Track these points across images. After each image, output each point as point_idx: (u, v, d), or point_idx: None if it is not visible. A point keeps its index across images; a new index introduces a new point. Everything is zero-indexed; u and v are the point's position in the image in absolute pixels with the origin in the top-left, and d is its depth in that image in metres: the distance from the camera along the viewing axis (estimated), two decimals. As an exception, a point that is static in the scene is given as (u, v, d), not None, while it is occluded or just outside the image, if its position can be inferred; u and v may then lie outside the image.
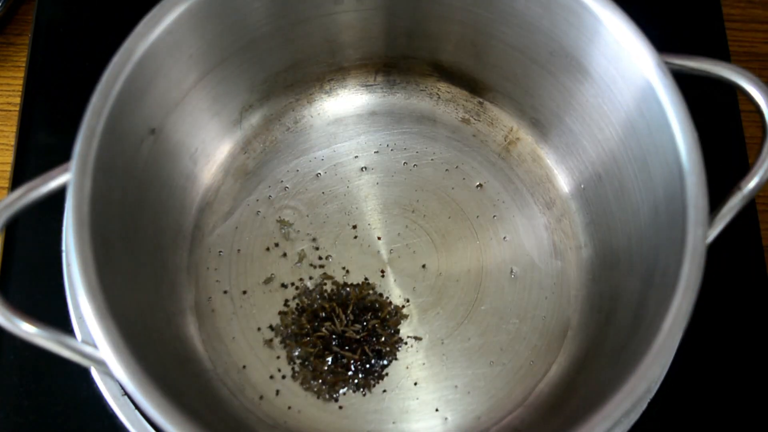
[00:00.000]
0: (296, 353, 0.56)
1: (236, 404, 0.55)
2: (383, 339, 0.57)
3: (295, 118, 0.64)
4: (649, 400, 0.53)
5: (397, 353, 0.57)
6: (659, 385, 0.53)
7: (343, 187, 0.62)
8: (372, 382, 0.56)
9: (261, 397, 0.55)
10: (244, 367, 0.56)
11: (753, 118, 0.65)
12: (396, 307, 0.58)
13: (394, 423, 0.55)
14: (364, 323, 0.57)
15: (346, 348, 0.56)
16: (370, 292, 0.58)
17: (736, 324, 0.60)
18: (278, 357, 0.56)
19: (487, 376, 0.56)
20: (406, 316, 0.58)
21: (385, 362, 0.56)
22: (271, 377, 0.56)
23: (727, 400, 0.58)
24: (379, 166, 0.62)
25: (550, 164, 0.62)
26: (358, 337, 0.56)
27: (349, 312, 0.57)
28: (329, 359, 0.56)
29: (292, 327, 0.57)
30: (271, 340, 0.57)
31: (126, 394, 0.53)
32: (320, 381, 0.56)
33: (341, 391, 0.56)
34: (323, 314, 0.57)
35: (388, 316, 0.57)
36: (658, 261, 0.47)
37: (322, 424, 0.55)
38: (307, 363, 0.56)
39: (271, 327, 0.57)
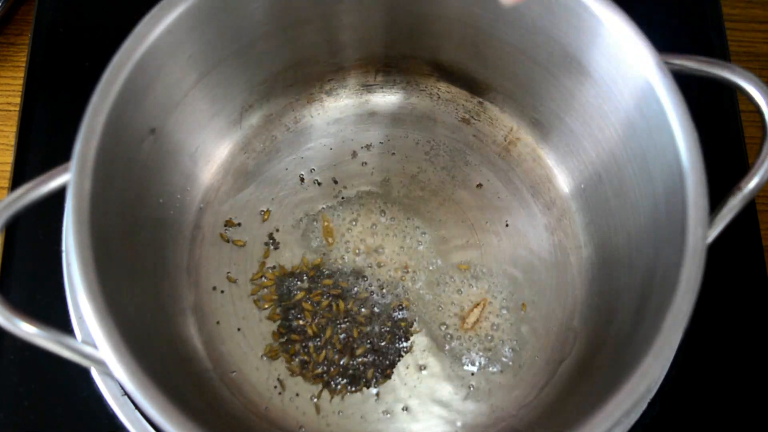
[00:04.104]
0: (297, 352, 0.56)
1: (236, 404, 0.55)
2: (387, 339, 0.57)
3: (295, 118, 0.64)
4: (649, 400, 0.53)
5: (397, 354, 0.57)
6: (659, 385, 0.53)
7: (343, 188, 0.62)
8: (372, 381, 0.56)
9: (261, 397, 0.55)
10: (244, 366, 0.56)
11: (753, 118, 0.65)
12: (401, 305, 0.58)
13: (394, 423, 0.55)
14: (369, 321, 0.57)
15: (349, 346, 0.56)
16: (374, 293, 0.58)
17: (736, 324, 0.60)
18: (279, 356, 0.56)
19: (488, 376, 0.56)
20: (411, 324, 0.58)
21: (387, 361, 0.56)
22: (272, 377, 0.56)
23: (727, 399, 0.58)
24: (379, 166, 0.62)
25: (550, 164, 0.62)
26: (360, 335, 0.57)
27: (352, 309, 0.57)
28: (330, 358, 0.56)
29: (294, 326, 0.57)
30: (272, 340, 0.57)
31: (126, 394, 0.53)
32: (321, 380, 0.56)
33: (341, 390, 0.56)
34: (325, 312, 0.57)
35: (393, 317, 0.57)
36: (658, 261, 0.47)
37: (323, 424, 0.55)
38: (308, 362, 0.56)
39: (272, 325, 0.57)
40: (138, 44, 0.47)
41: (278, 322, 0.57)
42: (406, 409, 0.55)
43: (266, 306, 0.58)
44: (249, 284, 0.59)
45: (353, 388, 0.56)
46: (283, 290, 0.58)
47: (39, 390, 0.56)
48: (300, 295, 0.58)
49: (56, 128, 0.63)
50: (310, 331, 0.57)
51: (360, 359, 0.56)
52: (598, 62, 0.51)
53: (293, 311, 0.58)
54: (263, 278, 0.59)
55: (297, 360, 0.56)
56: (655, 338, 0.42)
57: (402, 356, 0.57)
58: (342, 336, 0.57)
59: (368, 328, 0.57)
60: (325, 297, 0.58)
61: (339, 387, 0.56)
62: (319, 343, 0.57)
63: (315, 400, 0.55)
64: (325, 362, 0.56)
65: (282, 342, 0.57)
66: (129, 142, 0.49)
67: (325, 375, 0.56)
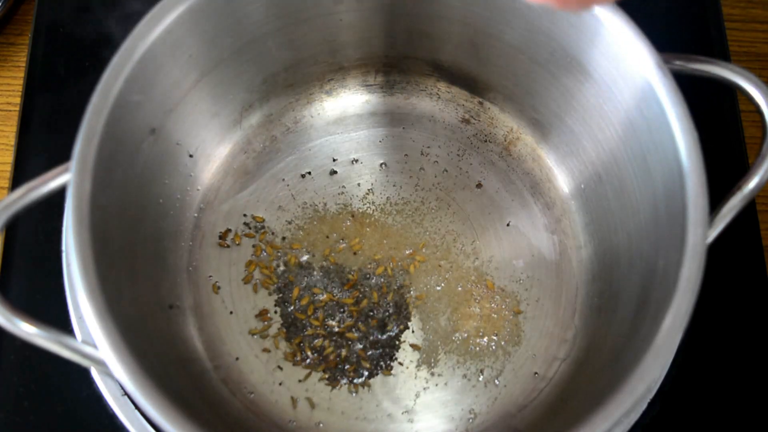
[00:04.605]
0: (297, 351, 0.56)
1: (236, 404, 0.55)
2: (387, 336, 0.57)
3: (295, 118, 0.64)
4: (649, 400, 0.53)
5: (397, 352, 0.57)
6: (659, 385, 0.54)
7: (343, 187, 0.62)
8: (372, 381, 0.56)
9: (261, 397, 0.55)
10: (244, 366, 0.56)
11: (753, 118, 0.65)
12: (399, 306, 0.58)
13: (393, 423, 0.55)
14: (369, 318, 0.57)
15: (349, 344, 0.57)
16: (373, 291, 0.58)
17: (736, 324, 0.60)
18: (279, 356, 0.56)
19: (488, 376, 0.56)
20: (407, 318, 0.58)
21: (386, 359, 0.56)
22: (272, 376, 0.56)
23: (727, 400, 0.58)
24: (379, 167, 0.62)
25: (550, 164, 0.62)
26: (359, 333, 0.57)
27: (352, 309, 0.57)
28: (329, 356, 0.56)
29: (293, 326, 0.57)
30: (272, 339, 0.57)
31: (126, 394, 0.53)
32: (320, 379, 0.56)
33: (340, 390, 0.56)
34: (324, 312, 0.57)
35: (391, 315, 0.58)
36: (658, 261, 0.47)
37: (322, 423, 0.55)
38: (308, 361, 0.56)
39: (272, 323, 0.57)
40: (138, 44, 0.47)
41: (279, 320, 0.57)
42: (404, 410, 0.55)
43: (267, 304, 0.58)
44: (249, 283, 0.59)
45: (352, 389, 0.56)
46: (284, 288, 0.58)
47: (39, 390, 0.56)
48: (298, 292, 0.58)
49: (56, 128, 0.63)
50: (311, 328, 0.57)
51: (360, 356, 0.56)
52: (598, 62, 0.51)
53: (294, 308, 0.58)
54: (264, 277, 0.59)
55: (299, 357, 0.56)
56: (655, 338, 0.42)
57: (401, 356, 0.57)
58: (342, 332, 0.57)
59: (367, 326, 0.57)
60: (326, 293, 0.58)
61: (338, 384, 0.56)
62: (319, 341, 0.57)
63: (315, 400, 0.55)
64: (325, 361, 0.56)
65: (283, 341, 0.57)
66: (129, 142, 0.49)
67: (326, 374, 0.56)
